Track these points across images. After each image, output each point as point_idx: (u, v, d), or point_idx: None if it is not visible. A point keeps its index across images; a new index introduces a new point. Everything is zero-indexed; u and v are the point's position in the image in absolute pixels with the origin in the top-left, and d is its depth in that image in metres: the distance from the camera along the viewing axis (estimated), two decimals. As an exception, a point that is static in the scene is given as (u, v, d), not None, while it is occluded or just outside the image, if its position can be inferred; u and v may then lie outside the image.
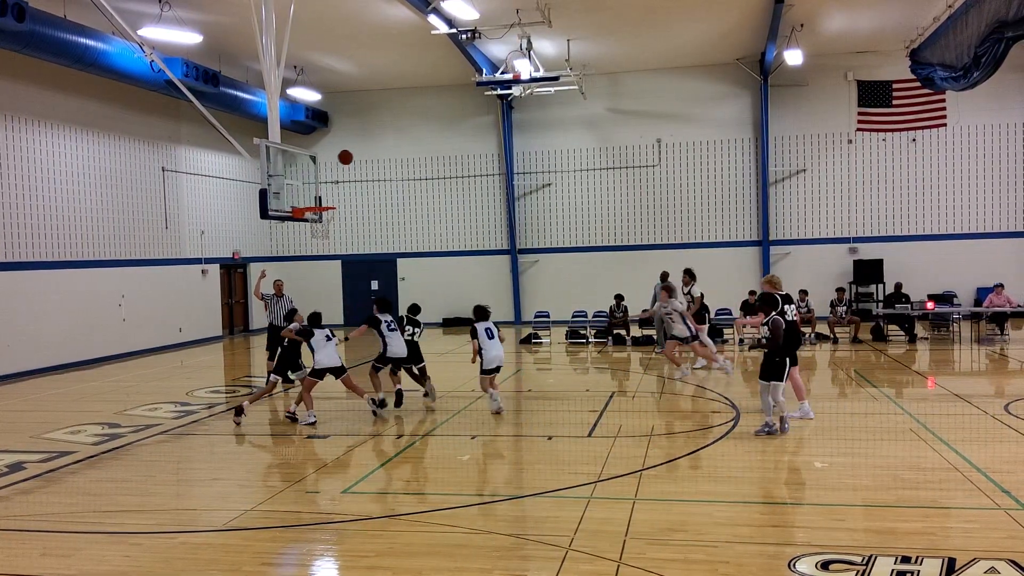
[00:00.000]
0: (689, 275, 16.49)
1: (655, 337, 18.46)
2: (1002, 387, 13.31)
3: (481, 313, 11.72)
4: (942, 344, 18.36)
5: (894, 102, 21.80)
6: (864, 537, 6.38)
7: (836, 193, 24.06)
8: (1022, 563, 5.63)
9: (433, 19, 17.79)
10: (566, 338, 20.68)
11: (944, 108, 21.63)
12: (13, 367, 16.59)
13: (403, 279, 26.36)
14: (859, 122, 22.51)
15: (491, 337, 11.62)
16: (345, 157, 15.21)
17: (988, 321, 19.07)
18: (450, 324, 25.36)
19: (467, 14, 17.71)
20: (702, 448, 9.25)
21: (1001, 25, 14.05)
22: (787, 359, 9.76)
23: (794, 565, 5.75)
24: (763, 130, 23.85)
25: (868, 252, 23.56)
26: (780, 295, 10.82)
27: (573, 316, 21.51)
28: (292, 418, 11.42)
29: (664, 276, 17.80)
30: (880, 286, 22.88)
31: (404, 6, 17.07)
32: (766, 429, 9.69)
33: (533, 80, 19.79)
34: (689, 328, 14.23)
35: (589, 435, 10.15)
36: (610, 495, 7.57)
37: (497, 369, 11.68)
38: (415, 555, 6.18)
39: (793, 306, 11.30)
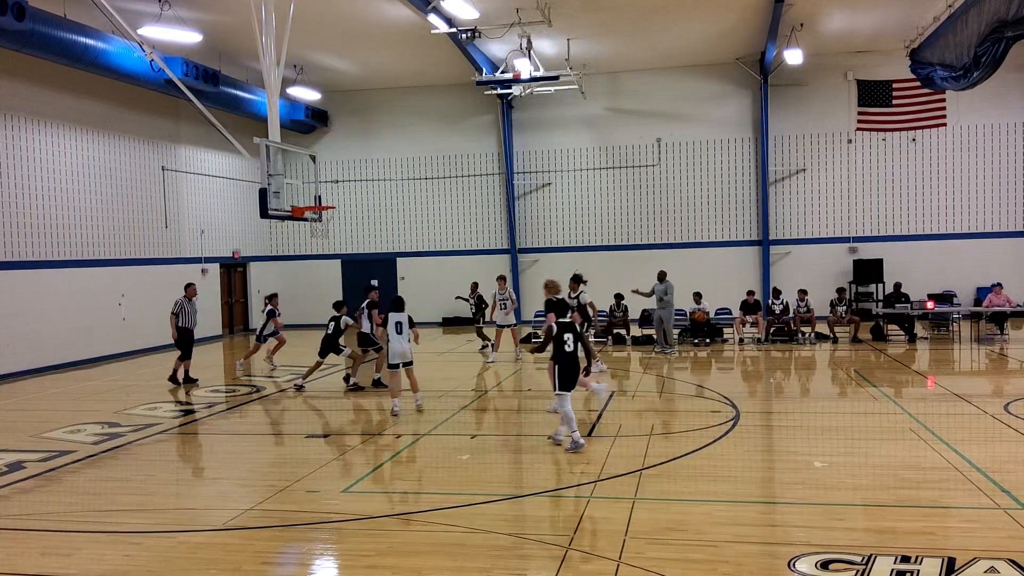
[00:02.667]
0: (575, 280, 16.12)
1: (655, 337, 18.48)
2: (1002, 387, 13.31)
3: (396, 304, 11.78)
4: (942, 344, 18.36)
5: (894, 102, 21.80)
6: (864, 537, 6.38)
7: (836, 193, 24.06)
8: (1022, 563, 5.64)
9: (433, 18, 17.78)
10: (566, 338, 20.63)
11: (944, 108, 21.64)
12: (13, 367, 16.58)
13: (403, 278, 26.37)
14: (859, 122, 22.51)
15: (399, 332, 11.53)
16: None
17: (988, 321, 19.06)
18: (450, 323, 25.37)
19: (467, 13, 17.71)
20: (702, 448, 9.25)
21: (1001, 25, 14.05)
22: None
23: (794, 565, 5.75)
24: (763, 130, 23.85)
25: (868, 252, 23.57)
26: (557, 299, 11.25)
27: (573, 316, 21.47)
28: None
29: (662, 276, 17.84)
30: (880, 286, 22.89)
31: (404, 5, 17.06)
32: (573, 447, 9.08)
33: (533, 79, 19.77)
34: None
35: (589, 435, 10.15)
36: (610, 495, 7.57)
37: (398, 365, 11.57)
38: (415, 554, 6.18)
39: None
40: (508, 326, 17.58)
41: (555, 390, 9.32)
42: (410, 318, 11.67)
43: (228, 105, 21.01)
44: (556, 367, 9.27)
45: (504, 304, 17.56)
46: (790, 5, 18.43)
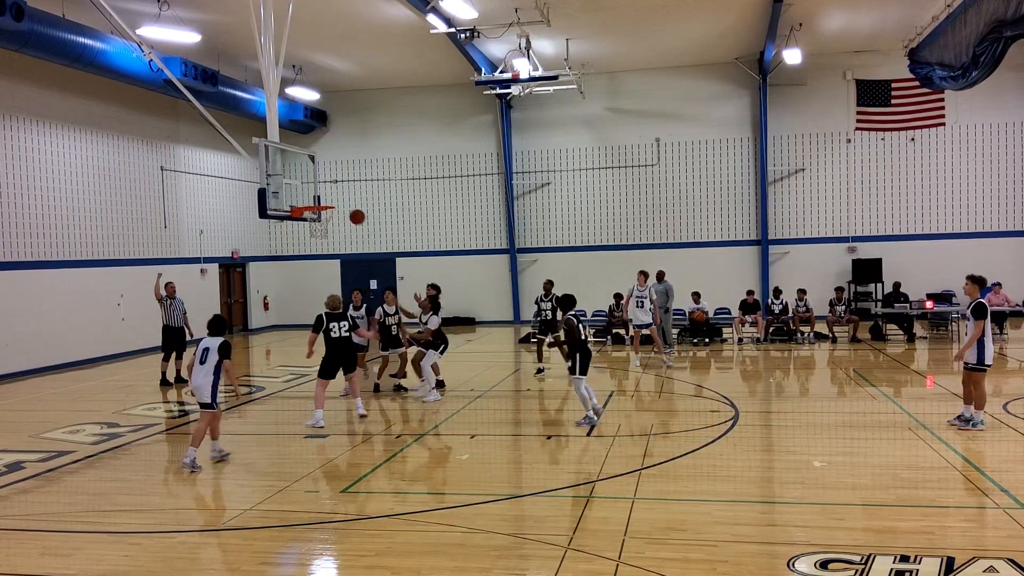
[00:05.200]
0: (435, 288, 13.73)
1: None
2: (1000, 386, 13.31)
3: (212, 327, 9.38)
4: (941, 343, 18.37)
5: (893, 101, 21.82)
6: (863, 536, 6.39)
7: (835, 192, 24.07)
8: (1021, 562, 5.64)
9: (432, 18, 17.78)
10: (565, 337, 20.62)
11: (943, 107, 21.66)
12: (13, 367, 16.58)
13: (402, 278, 26.35)
14: (858, 121, 22.53)
15: (202, 361, 9.02)
16: (357, 217, 15.03)
17: (987, 320, 19.04)
18: (449, 324, 25.32)
19: (466, 13, 17.70)
20: (701, 447, 9.26)
21: (1000, 24, 14.07)
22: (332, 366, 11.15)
23: (793, 564, 5.76)
24: (762, 129, 23.86)
25: (867, 251, 23.58)
26: (338, 312, 11.30)
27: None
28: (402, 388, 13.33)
29: (660, 276, 17.84)
30: (879, 285, 22.90)
31: (403, 5, 17.06)
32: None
33: (532, 79, 19.76)
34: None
35: (588, 435, 10.16)
36: (609, 494, 7.57)
37: (201, 405, 9.01)
38: (414, 554, 6.18)
39: (345, 324, 11.25)
40: (645, 326, 16.10)
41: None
42: (225, 345, 8.78)
43: (227, 105, 21.00)
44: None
45: (641, 302, 15.96)
46: (789, 5, 18.44)
